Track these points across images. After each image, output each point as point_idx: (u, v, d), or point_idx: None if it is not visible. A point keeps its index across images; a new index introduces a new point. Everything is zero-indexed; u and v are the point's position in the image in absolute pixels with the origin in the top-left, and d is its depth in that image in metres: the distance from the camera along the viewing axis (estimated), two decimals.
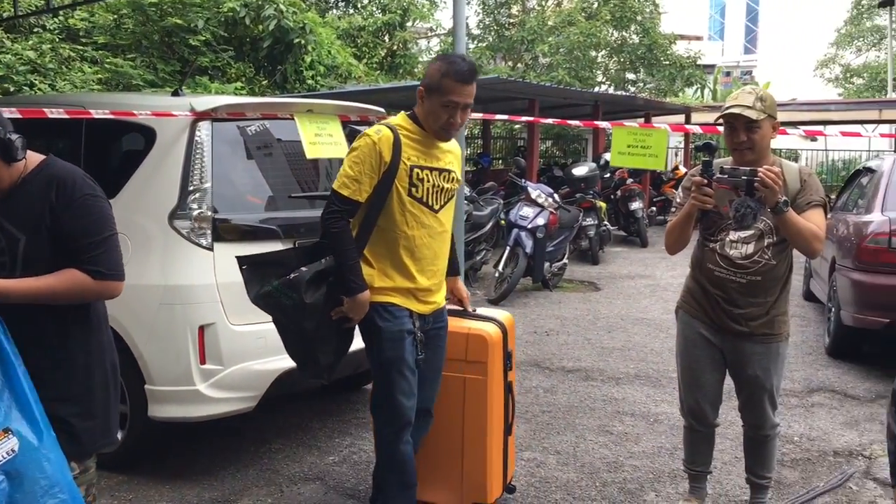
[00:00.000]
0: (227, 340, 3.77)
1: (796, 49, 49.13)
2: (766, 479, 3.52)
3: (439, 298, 3.24)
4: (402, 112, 3.18)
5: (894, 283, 5.69)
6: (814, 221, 3.12)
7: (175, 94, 4.38)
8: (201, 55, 11.08)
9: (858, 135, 7.38)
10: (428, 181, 3.06)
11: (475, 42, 21.03)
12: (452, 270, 3.44)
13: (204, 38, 10.92)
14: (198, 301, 3.74)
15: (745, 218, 3.16)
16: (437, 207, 3.12)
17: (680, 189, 3.43)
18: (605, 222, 11.79)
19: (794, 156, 27.14)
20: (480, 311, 3.60)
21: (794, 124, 19.50)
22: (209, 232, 3.80)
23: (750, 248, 3.24)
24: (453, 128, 3.04)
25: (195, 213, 3.79)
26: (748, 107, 3.12)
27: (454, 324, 3.41)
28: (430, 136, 3.09)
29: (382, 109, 5.08)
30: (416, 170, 3.03)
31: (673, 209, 3.44)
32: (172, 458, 4.21)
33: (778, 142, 22.29)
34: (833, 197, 8.90)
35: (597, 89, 20.43)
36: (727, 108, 3.20)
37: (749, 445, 3.53)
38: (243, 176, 4.19)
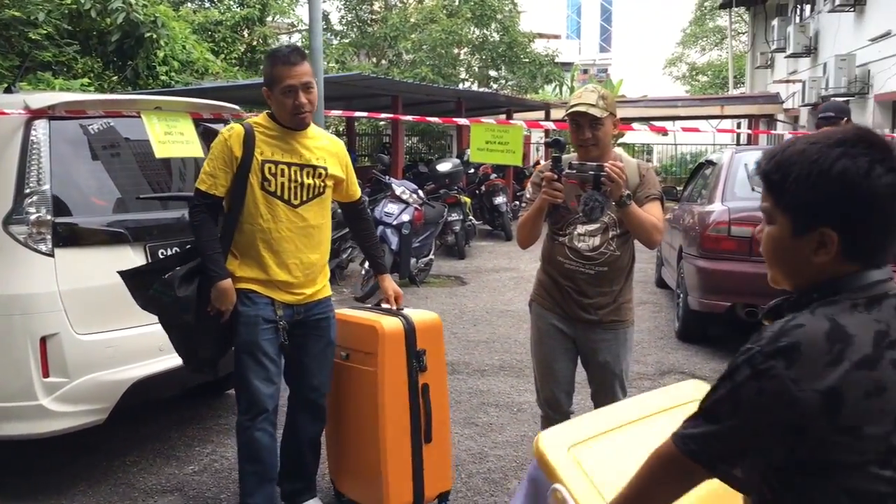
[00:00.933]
0: (73, 351, 3.57)
1: (647, 48, 51.58)
2: None
3: (313, 290, 3.30)
4: (265, 112, 3.27)
5: (734, 269, 6.08)
6: (653, 214, 3.29)
7: (8, 90, 4.11)
8: (43, 50, 10.43)
9: (697, 129, 7.82)
10: (283, 176, 3.14)
11: (338, 38, 20.87)
12: (378, 269, 3.63)
13: (45, 32, 10.29)
14: (38, 311, 3.52)
15: (593, 211, 3.29)
16: (295, 202, 3.19)
17: (529, 185, 3.53)
18: (471, 217, 11.98)
19: (647, 150, 28.56)
20: (408, 310, 3.52)
21: (647, 120, 20.51)
22: (49, 237, 3.58)
23: (596, 241, 3.37)
24: (302, 110, 3.13)
25: (33, 217, 3.57)
26: (592, 105, 3.24)
27: (358, 316, 3.44)
28: (291, 132, 3.19)
29: (237, 107, 4.95)
30: (268, 164, 3.12)
31: (523, 204, 3.53)
32: (13, 477, 3.95)
33: (633, 136, 23.31)
34: (679, 189, 9.42)
35: (461, 86, 20.73)
36: (572, 106, 3.30)
37: None
38: (87, 177, 3.97)
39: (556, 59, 23.03)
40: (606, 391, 3.56)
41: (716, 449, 1.41)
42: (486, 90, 20.08)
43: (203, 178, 3.16)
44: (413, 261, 9.02)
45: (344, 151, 3.44)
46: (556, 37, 48.15)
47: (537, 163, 16.26)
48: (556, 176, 3.20)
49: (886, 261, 1.44)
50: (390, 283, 3.58)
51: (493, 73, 22.99)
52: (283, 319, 3.20)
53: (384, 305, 3.58)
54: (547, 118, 17.31)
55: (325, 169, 3.25)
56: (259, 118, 3.23)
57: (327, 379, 3.43)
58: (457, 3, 20.20)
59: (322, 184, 3.25)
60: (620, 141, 23.22)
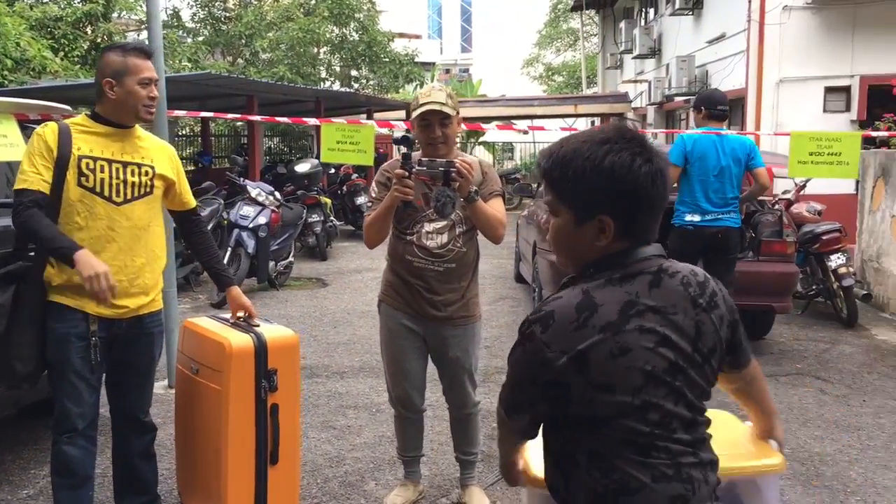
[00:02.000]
0: None
1: (505, 49, 52.74)
2: (473, 454, 3.72)
3: (138, 303, 3.08)
4: (84, 112, 3.13)
5: None
6: (497, 209, 3.35)
7: None
8: None
9: (542, 128, 8.07)
10: (103, 172, 2.96)
11: (191, 36, 20.14)
12: (221, 282, 3.40)
13: None
14: None
15: (445, 207, 3.31)
16: (118, 200, 3.00)
17: (374, 184, 3.51)
18: (332, 218, 11.85)
19: (509, 148, 29.19)
20: (266, 325, 3.32)
21: (506, 119, 20.97)
22: None
23: (444, 238, 3.40)
24: (155, 103, 3.06)
25: None
26: (443, 103, 3.27)
27: (209, 329, 3.26)
28: (117, 130, 3.03)
29: (68, 107, 4.66)
30: (85, 160, 2.94)
31: (369, 203, 3.51)
32: None
33: (494, 135, 23.65)
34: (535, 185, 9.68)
35: (324, 86, 20.48)
36: (423, 104, 3.30)
37: (455, 425, 3.72)
38: None
39: (417, 59, 23.16)
40: (458, 386, 3.60)
41: (508, 400, 1.72)
42: (346, 90, 19.92)
43: (21, 178, 2.88)
44: (272, 264, 8.83)
45: (174, 155, 3.29)
46: (418, 37, 48.45)
47: None
48: (406, 173, 3.20)
49: (654, 237, 1.68)
50: (237, 296, 3.36)
51: (354, 72, 22.86)
52: (97, 335, 2.97)
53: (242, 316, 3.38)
54: (408, 118, 17.34)
55: (152, 168, 3.09)
56: (77, 119, 3.05)
57: (150, 395, 3.28)
58: (314, 1, 19.92)
59: (149, 182, 3.07)
60: (482, 139, 23.64)
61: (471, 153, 23.71)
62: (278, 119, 6.67)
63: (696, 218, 5.63)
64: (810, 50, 10.80)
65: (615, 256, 1.62)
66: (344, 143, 4.99)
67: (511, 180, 18.52)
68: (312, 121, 6.88)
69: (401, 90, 22.69)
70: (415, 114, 3.35)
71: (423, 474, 3.92)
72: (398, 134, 4.05)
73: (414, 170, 3.20)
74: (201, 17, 20.42)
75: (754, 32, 10.88)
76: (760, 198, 6.30)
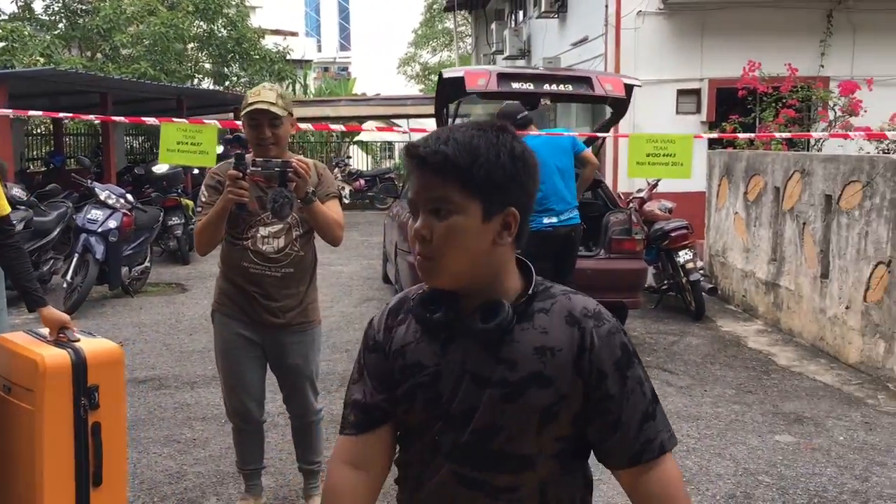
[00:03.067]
0: None
1: (383, 47, 52.67)
2: (316, 463, 3.64)
3: None
4: None
5: None
6: (334, 211, 3.29)
7: None
8: None
9: (424, 130, 8.02)
10: None
11: (45, 30, 18.98)
12: (31, 302, 3.15)
13: None
14: None
15: (283, 208, 3.23)
16: None
17: (203, 188, 3.37)
18: (194, 220, 11.43)
19: (388, 147, 29.06)
20: (87, 339, 3.08)
21: (381, 118, 20.89)
22: None
23: (281, 242, 3.31)
24: None
25: None
26: (272, 103, 3.18)
27: (21, 345, 3.02)
28: None
29: None
30: None
31: (199, 209, 3.37)
32: None
33: (369, 134, 23.41)
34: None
35: (192, 83, 19.76)
36: (252, 104, 3.20)
37: (297, 434, 3.63)
38: None
39: (293, 57, 22.72)
40: (298, 394, 3.51)
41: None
42: (211, 88, 19.32)
43: None
44: (125, 269, 8.43)
45: None
46: (294, 34, 47.62)
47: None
48: (240, 174, 3.08)
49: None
50: (50, 315, 3.06)
51: (226, 70, 22.18)
52: None
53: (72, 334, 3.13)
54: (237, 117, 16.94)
55: None
56: None
57: None
58: None
59: None
60: (357, 139, 23.44)
61: (345, 153, 23.51)
62: (115, 119, 6.35)
63: (554, 220, 5.83)
64: (663, 54, 11.28)
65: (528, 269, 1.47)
66: (185, 143, 4.78)
67: (384, 180, 18.45)
68: (151, 120, 6.58)
69: None
70: (243, 113, 3.24)
71: (268, 486, 3.82)
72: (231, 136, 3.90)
73: (248, 171, 3.10)
74: (56, 9, 19.29)
75: (611, 36, 11.26)
76: (620, 197, 6.58)
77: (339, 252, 12.26)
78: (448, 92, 6.65)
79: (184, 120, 5.25)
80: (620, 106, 6.86)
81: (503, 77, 6.75)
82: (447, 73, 6.59)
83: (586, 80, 6.78)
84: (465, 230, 1.36)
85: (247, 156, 3.20)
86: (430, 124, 20.37)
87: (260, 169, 3.09)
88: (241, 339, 3.41)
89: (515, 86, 6.65)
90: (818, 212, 6.49)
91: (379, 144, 28.18)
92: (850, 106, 9.70)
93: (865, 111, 9.65)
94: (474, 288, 1.41)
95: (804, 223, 6.71)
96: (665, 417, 1.44)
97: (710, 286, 8.03)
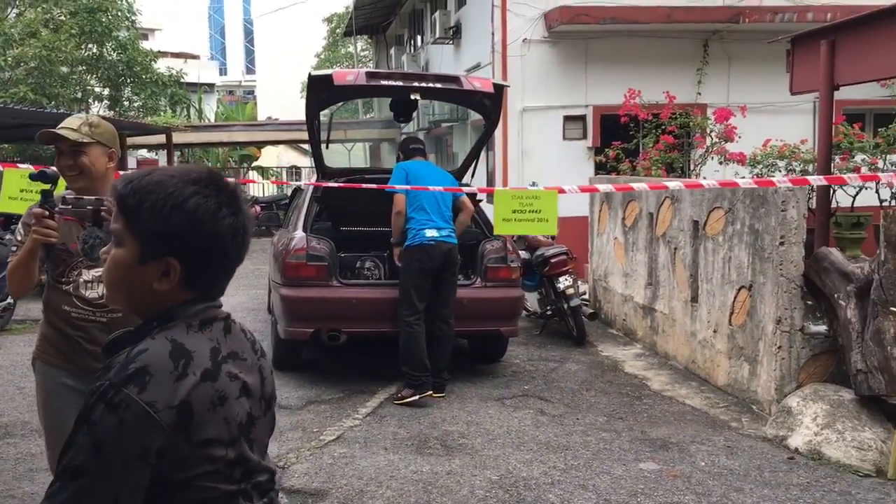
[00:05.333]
0: None
1: (287, 71, 52.09)
2: None
3: None
4: None
5: (315, 295, 6.13)
6: None
7: None
8: None
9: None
10: None
11: None
12: None
13: None
14: None
15: (94, 249, 3.00)
16: None
17: (20, 225, 3.13)
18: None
19: (296, 171, 28.65)
20: None
21: (277, 143, 20.58)
22: None
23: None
24: None
25: None
26: (73, 129, 2.98)
27: None
28: None
29: None
30: None
31: (14, 248, 3.13)
32: None
33: (269, 160, 23.05)
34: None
35: (79, 108, 19.02)
36: (53, 131, 3.01)
37: None
38: None
39: (193, 80, 22.20)
40: None
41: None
42: (98, 114, 18.62)
43: None
44: None
45: None
46: (195, 57, 46.63)
47: None
48: (46, 212, 2.85)
49: (220, 294, 1.57)
50: None
51: (119, 94, 21.47)
52: None
53: None
54: (169, 143, 16.52)
55: None
56: None
57: None
58: (62, 17, 18.47)
59: None
60: (255, 164, 23.05)
61: (245, 177, 23.03)
62: None
63: (435, 234, 5.96)
64: (549, 81, 11.46)
65: (181, 307, 1.49)
66: (28, 191, 4.47)
67: (281, 206, 18.12)
68: None
69: (163, 113, 21.62)
70: (39, 138, 3.06)
71: None
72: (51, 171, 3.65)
73: (57, 209, 2.88)
74: None
75: (498, 63, 11.38)
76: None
77: None
78: (318, 93, 6.54)
79: (28, 166, 4.92)
80: (493, 110, 6.88)
81: (372, 75, 6.73)
82: (315, 72, 6.50)
83: (455, 79, 6.84)
84: (121, 265, 1.48)
85: (66, 194, 2.99)
86: (331, 147, 20.17)
87: (70, 207, 2.88)
88: (65, 389, 3.16)
89: (385, 82, 6.61)
90: (687, 237, 6.63)
91: (287, 168, 27.78)
92: (726, 132, 10.04)
93: (740, 137, 10.00)
94: (134, 315, 1.53)
95: (675, 248, 6.84)
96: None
97: (591, 311, 8.11)
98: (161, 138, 17.09)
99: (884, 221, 4.62)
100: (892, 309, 4.45)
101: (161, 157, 20.14)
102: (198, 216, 1.44)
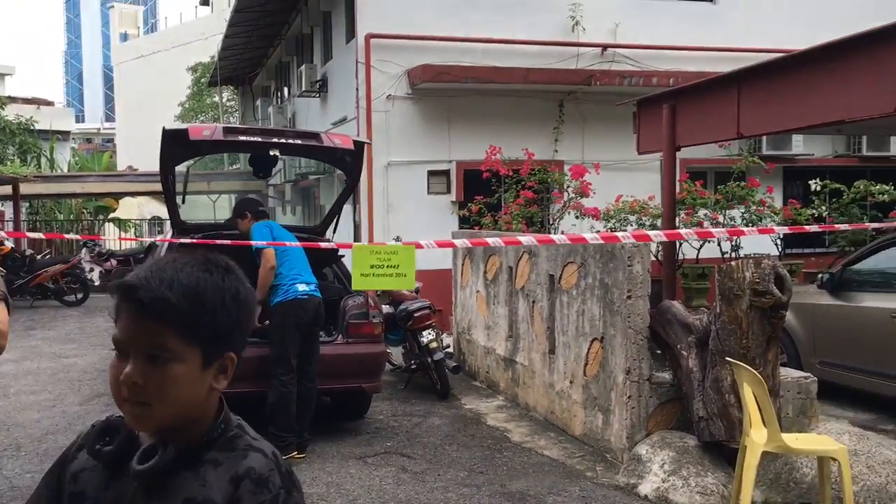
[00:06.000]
0: None
1: (150, 119, 50.55)
2: None
3: None
4: None
5: None
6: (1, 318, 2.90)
7: None
8: None
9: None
10: None
11: None
12: None
13: None
14: None
15: None
16: None
17: None
18: None
19: (160, 223, 27.57)
20: None
21: (136, 194, 19.83)
22: None
23: None
24: None
25: None
26: None
27: None
28: None
29: None
30: None
31: None
32: None
33: (127, 211, 22.06)
34: None
35: None
36: None
37: None
38: None
39: (49, 128, 21.11)
40: None
41: None
42: None
43: None
44: None
45: None
46: (49, 103, 44.47)
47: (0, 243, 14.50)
48: None
49: None
50: None
51: None
52: None
53: None
54: (16, 194, 15.61)
55: None
56: None
57: None
58: None
59: None
60: (112, 216, 22.09)
61: (99, 231, 21.99)
62: None
63: (306, 287, 5.93)
64: (414, 136, 11.68)
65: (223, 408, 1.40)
66: None
67: (138, 260, 17.40)
68: None
69: (10, 162, 20.44)
70: None
71: None
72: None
73: None
74: None
75: (363, 118, 11.49)
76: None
77: (77, 341, 11.32)
78: (173, 148, 6.38)
79: None
80: (354, 166, 6.92)
81: (230, 130, 6.66)
82: (170, 127, 6.35)
83: (315, 136, 6.85)
84: (184, 378, 1.29)
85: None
86: (193, 199, 19.57)
87: None
88: None
89: (243, 138, 6.54)
90: (544, 291, 6.84)
91: (149, 220, 26.72)
92: (581, 188, 10.51)
93: (594, 192, 10.48)
94: (170, 428, 1.32)
95: (534, 301, 7.04)
96: None
97: (455, 364, 8.19)
98: (7, 189, 16.10)
99: (718, 276, 4.93)
100: (728, 358, 4.74)
101: (7, 209, 18.95)
102: (249, 303, 1.39)
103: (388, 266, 5.61)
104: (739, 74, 7.07)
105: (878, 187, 10.98)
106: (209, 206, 21.41)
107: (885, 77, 5.37)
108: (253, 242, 6.01)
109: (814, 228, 4.75)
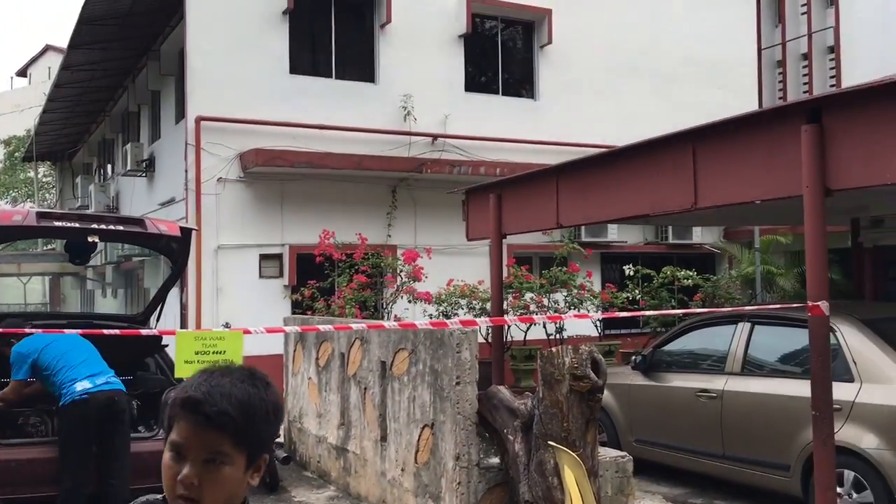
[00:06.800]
0: None
1: None
2: None
3: None
4: None
5: None
6: None
7: None
8: None
9: None
10: None
11: None
12: None
13: None
14: None
15: None
16: None
17: None
18: None
19: None
20: None
21: None
22: None
23: None
24: None
25: None
26: None
27: None
28: None
29: None
30: None
31: None
32: None
33: None
34: None
35: None
36: None
37: None
38: None
39: None
40: None
41: None
42: None
43: None
44: None
45: None
46: None
47: None
48: None
49: None
50: None
51: None
52: None
53: None
54: None
55: None
56: None
57: None
58: None
59: None
60: None
61: None
62: None
63: (88, 385, 5.56)
64: (246, 219, 11.51)
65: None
66: None
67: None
68: None
69: None
70: None
71: None
72: None
73: None
74: None
75: (192, 201, 11.22)
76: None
77: None
78: None
79: None
80: (181, 253, 6.70)
81: (44, 215, 6.28)
82: None
83: (139, 222, 6.60)
84: (231, 479, 1.55)
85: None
86: (5, 281, 18.06)
87: None
88: None
89: (58, 224, 6.19)
90: (376, 377, 6.84)
91: None
92: (414, 272, 10.72)
93: (427, 277, 10.71)
94: None
95: (366, 388, 7.02)
96: None
97: (285, 455, 7.96)
98: None
99: (540, 362, 5.15)
100: (550, 442, 4.91)
101: None
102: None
103: (214, 352, 5.43)
104: (558, 168, 7.57)
105: (682, 273, 11.94)
106: (19, 288, 19.92)
107: (681, 176, 5.92)
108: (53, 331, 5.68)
109: (624, 315, 5.10)
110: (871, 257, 10.64)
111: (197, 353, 5.37)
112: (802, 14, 19.72)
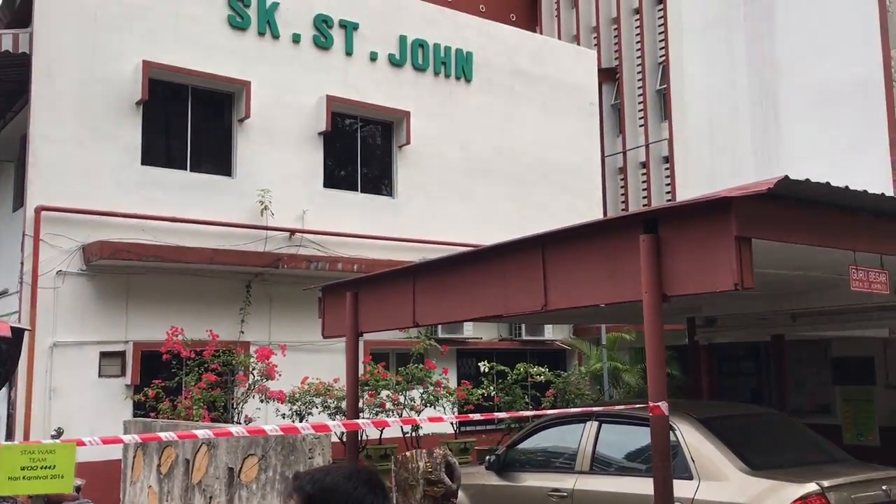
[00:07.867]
0: None
1: None
2: None
3: None
4: None
5: None
6: None
7: None
8: None
9: None
10: None
11: None
12: None
13: None
14: None
15: None
16: None
17: None
18: None
19: None
20: None
21: None
22: None
23: None
24: None
25: None
26: None
27: None
28: None
29: None
30: None
31: None
32: None
33: None
34: None
35: None
36: None
37: None
38: None
39: None
40: None
41: None
42: None
43: None
44: None
45: None
46: None
47: None
48: None
49: None
50: None
51: None
52: None
53: None
54: None
55: None
56: None
57: None
58: None
59: None
60: None
61: None
62: None
63: None
64: (86, 315, 10.84)
65: None
66: None
67: None
68: None
69: None
70: None
71: None
72: None
73: None
74: None
75: (27, 295, 10.49)
76: None
77: None
78: None
79: None
80: (11, 355, 6.21)
81: None
82: None
83: None
84: None
85: None
86: None
87: None
88: None
89: None
90: (223, 485, 6.51)
91: None
92: (267, 370, 10.41)
93: (280, 375, 10.43)
94: None
95: (211, 497, 6.65)
96: None
97: None
98: None
99: (394, 467, 5.09)
100: None
101: None
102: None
103: (42, 467, 4.99)
104: (415, 268, 7.66)
105: (535, 369, 12.24)
106: None
107: (532, 278, 6.13)
108: None
109: (477, 416, 5.13)
110: (707, 354, 11.33)
111: (24, 469, 4.93)
112: (640, 126, 21.44)
